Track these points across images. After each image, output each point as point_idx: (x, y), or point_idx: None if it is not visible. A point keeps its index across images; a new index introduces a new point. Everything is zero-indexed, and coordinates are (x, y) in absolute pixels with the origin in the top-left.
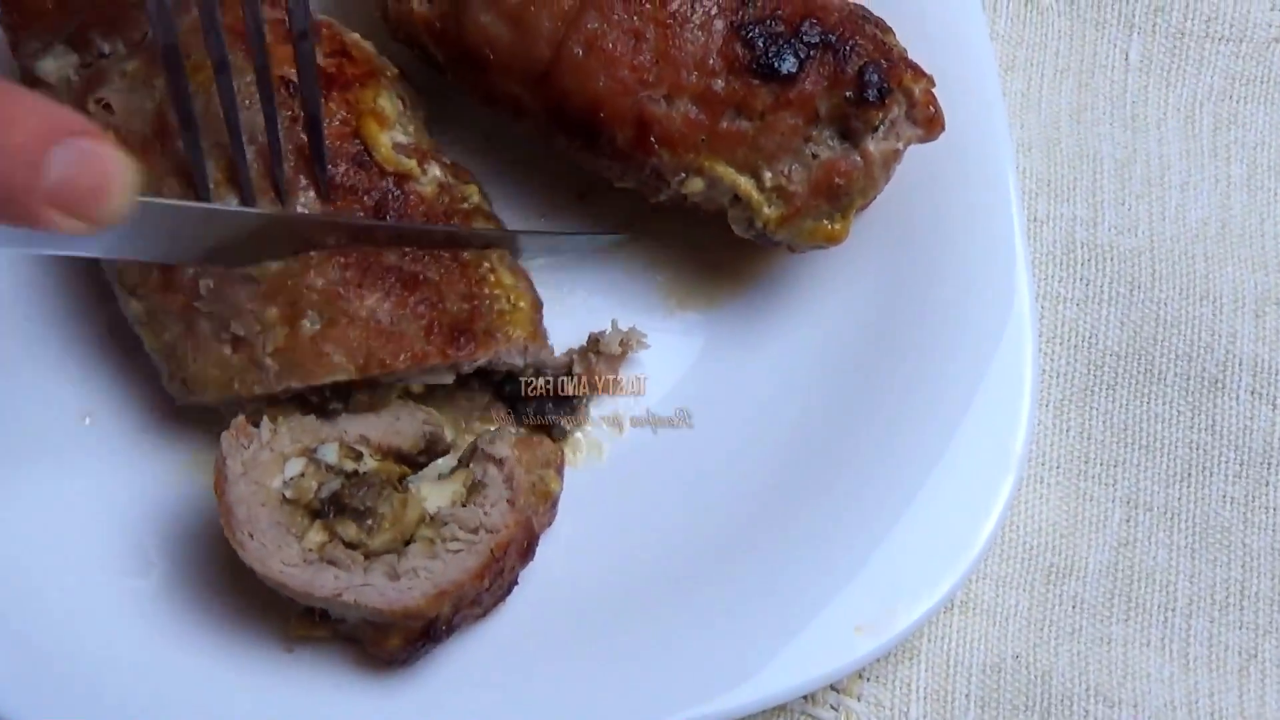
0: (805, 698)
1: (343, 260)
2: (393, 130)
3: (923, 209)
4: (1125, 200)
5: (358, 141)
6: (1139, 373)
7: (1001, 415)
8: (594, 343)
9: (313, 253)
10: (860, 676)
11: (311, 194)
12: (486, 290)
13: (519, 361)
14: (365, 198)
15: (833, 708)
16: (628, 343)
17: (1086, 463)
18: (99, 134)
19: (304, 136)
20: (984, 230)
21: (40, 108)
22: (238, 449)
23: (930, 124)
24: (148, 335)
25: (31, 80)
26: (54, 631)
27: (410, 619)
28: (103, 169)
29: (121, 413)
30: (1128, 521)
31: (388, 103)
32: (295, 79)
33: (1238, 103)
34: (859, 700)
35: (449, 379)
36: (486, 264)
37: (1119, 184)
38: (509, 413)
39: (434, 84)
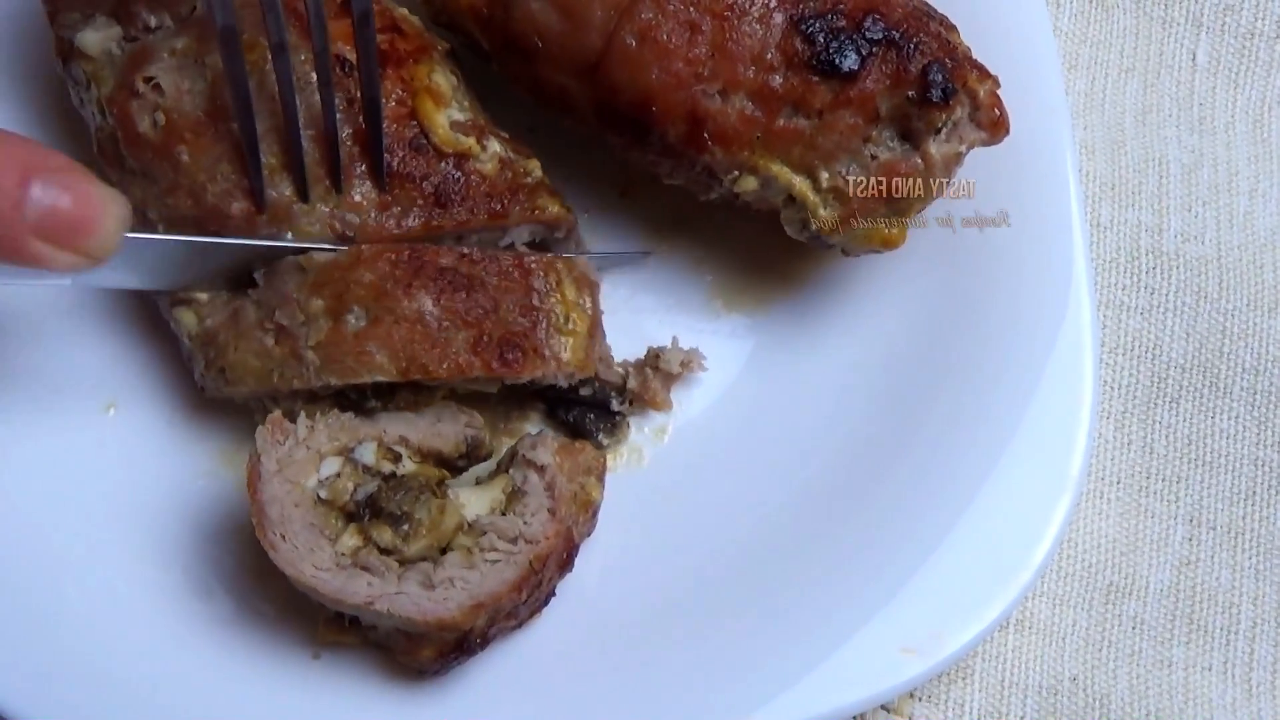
0: (855, 718)
1: (394, 256)
2: (449, 108)
3: (980, 211)
4: (1192, 206)
5: (414, 124)
6: (1204, 386)
7: (1059, 430)
8: (654, 358)
9: (365, 246)
10: (911, 696)
11: (369, 184)
12: (546, 304)
13: (562, 384)
14: (424, 184)
15: None
16: (688, 364)
17: (1148, 478)
18: (83, 171)
19: (361, 121)
20: (1043, 236)
21: (19, 146)
22: (273, 445)
23: (995, 127)
24: (189, 318)
25: (69, 52)
26: (72, 630)
27: (445, 630)
28: (87, 202)
29: (146, 404)
30: (1190, 540)
31: (442, 78)
32: (350, 57)
33: None
34: None
35: (492, 389)
36: (553, 274)
37: (1185, 189)
38: (546, 414)
39: (476, 73)
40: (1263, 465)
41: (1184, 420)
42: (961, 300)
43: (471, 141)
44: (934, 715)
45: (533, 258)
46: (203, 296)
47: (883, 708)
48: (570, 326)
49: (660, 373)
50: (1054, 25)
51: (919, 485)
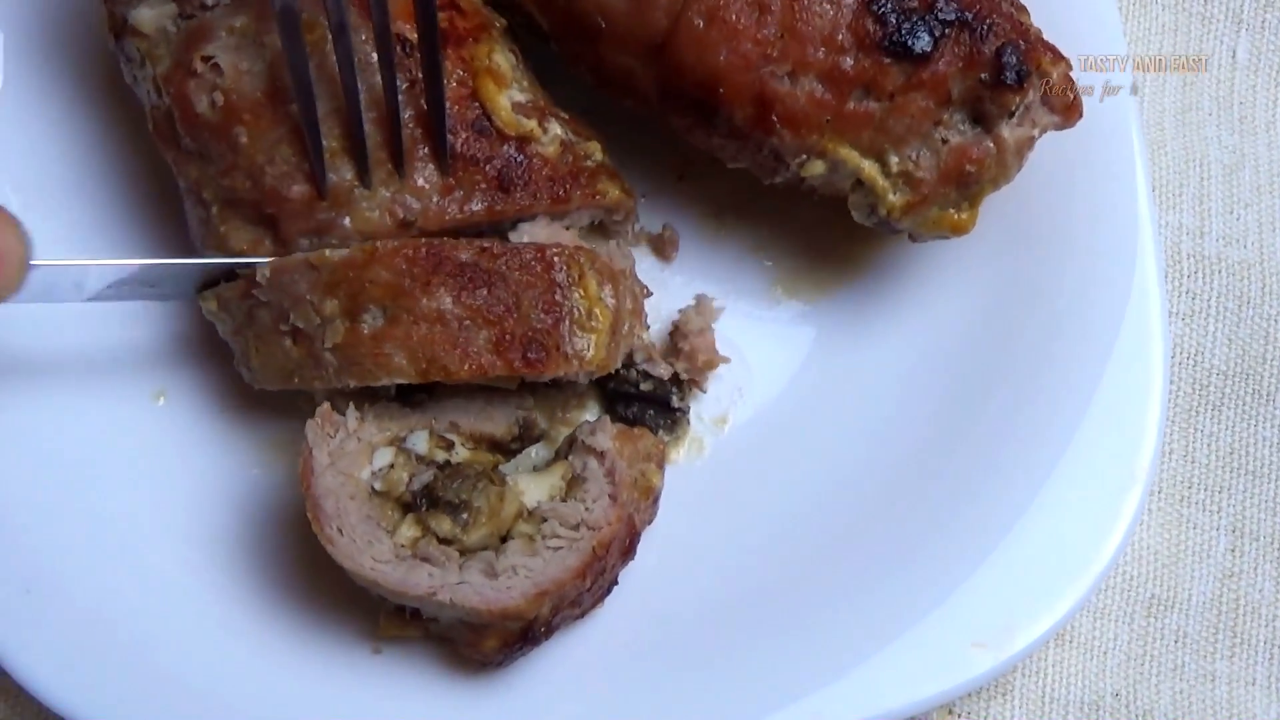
0: None
1: (410, 253)
2: (510, 89)
3: (1047, 198)
4: (1234, 209)
5: (476, 105)
6: (1247, 393)
7: (1128, 418)
8: (676, 330)
9: (379, 243)
10: (950, 713)
11: (431, 168)
12: (569, 300)
13: (584, 381)
14: (487, 167)
15: None
16: (705, 311)
17: (1190, 488)
18: None
19: (422, 103)
20: (1110, 222)
21: None
22: (324, 438)
23: (1068, 111)
24: (219, 320)
25: (122, 28)
26: (126, 625)
27: (509, 620)
28: None
29: (196, 392)
30: (1233, 551)
31: (502, 58)
32: (411, 37)
33: None
34: None
35: (511, 385)
36: (575, 267)
37: (1227, 191)
38: (605, 410)
39: (532, 53)
40: None
41: (1226, 428)
42: (1027, 286)
43: (533, 124)
44: None
45: (554, 249)
46: (222, 298)
47: None
48: (593, 323)
49: (689, 335)
50: None
51: (985, 475)
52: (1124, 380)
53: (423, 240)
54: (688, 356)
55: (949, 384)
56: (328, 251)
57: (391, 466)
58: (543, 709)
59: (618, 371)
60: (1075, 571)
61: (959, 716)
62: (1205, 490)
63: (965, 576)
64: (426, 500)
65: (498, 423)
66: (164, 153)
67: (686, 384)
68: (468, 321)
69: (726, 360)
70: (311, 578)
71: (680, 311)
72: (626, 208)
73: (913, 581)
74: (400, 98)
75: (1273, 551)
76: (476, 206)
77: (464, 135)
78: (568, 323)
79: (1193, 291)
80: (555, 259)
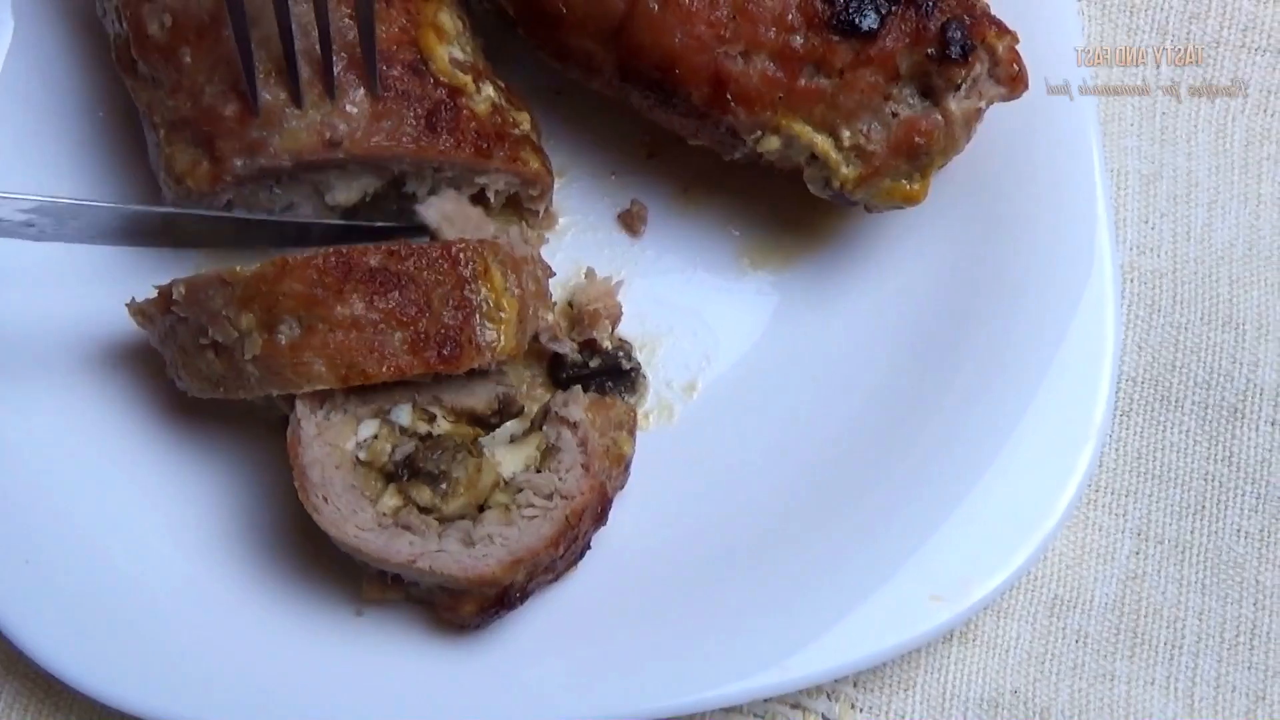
0: None
1: (321, 263)
2: (451, 46)
3: (1001, 166)
4: (1149, 218)
5: (415, 50)
6: (1155, 399)
7: (1081, 380)
8: (571, 306)
9: (290, 255)
10: (853, 707)
11: (362, 94)
12: (476, 295)
13: (492, 369)
14: (418, 106)
15: None
16: (594, 280)
17: (1096, 491)
18: None
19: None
20: (1065, 189)
21: None
22: (312, 410)
23: (1014, 82)
24: (146, 330)
25: None
26: (120, 593)
27: (485, 586)
28: None
29: None
30: (1137, 554)
31: (448, 19)
32: None
33: (1272, 116)
34: None
35: (426, 380)
36: (480, 260)
37: (1143, 200)
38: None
39: (503, 38)
40: (1212, 479)
41: (1134, 434)
42: (986, 252)
43: (468, 79)
44: None
45: (459, 245)
46: (144, 306)
47: (824, 717)
48: (501, 315)
49: (590, 302)
50: None
51: (945, 436)
52: (1081, 341)
53: (330, 250)
54: (590, 315)
55: (911, 350)
56: (239, 267)
57: (375, 437)
58: (519, 668)
59: (561, 360)
60: (1030, 527)
61: (861, 711)
62: (1111, 494)
63: (928, 535)
64: (408, 470)
65: (479, 397)
66: (125, 80)
67: (592, 342)
68: (382, 325)
69: (620, 309)
70: (298, 544)
71: (575, 291)
72: (544, 183)
73: (876, 541)
74: (339, 26)
75: (1176, 555)
76: (403, 139)
77: (398, 71)
78: (478, 317)
79: None
80: (460, 254)
